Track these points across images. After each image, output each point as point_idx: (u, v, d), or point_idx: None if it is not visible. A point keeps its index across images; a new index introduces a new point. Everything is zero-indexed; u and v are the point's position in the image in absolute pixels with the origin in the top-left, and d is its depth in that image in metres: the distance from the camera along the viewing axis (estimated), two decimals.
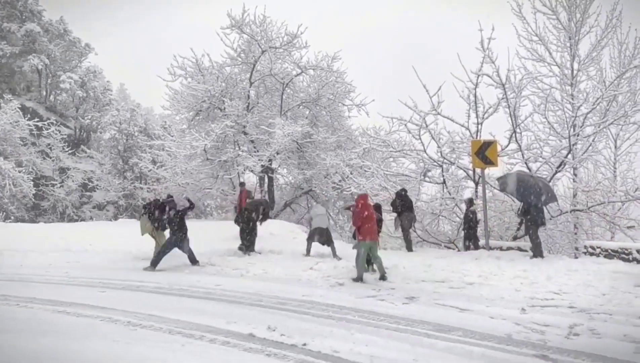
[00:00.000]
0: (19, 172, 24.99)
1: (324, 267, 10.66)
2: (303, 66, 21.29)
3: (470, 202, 13.09)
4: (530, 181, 11.60)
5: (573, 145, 13.97)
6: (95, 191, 27.99)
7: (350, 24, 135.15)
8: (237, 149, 21.27)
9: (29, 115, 28.09)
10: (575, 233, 15.89)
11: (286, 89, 21.99)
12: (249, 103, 21.84)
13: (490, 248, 12.48)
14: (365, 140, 17.35)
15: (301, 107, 22.70)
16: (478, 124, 14.50)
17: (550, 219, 14.26)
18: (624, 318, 6.48)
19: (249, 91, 21.80)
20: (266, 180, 22.47)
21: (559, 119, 15.16)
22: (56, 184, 26.73)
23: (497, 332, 5.88)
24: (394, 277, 9.61)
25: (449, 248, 15.14)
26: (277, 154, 20.56)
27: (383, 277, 9.47)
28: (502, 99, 14.01)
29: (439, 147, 14.88)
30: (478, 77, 13.91)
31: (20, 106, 26.82)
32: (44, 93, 31.13)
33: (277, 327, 5.99)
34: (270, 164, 21.37)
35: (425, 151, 15.10)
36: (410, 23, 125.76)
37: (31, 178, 25.15)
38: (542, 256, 11.15)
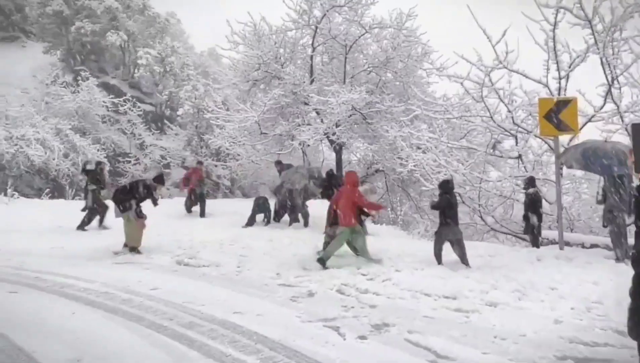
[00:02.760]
0: (96, 149, 25.07)
1: None
2: (366, 25, 18.53)
3: (530, 182, 9.87)
4: (607, 147, 8.23)
5: None
6: (169, 168, 27.54)
7: None
8: (296, 121, 19.19)
9: (112, 93, 28.33)
10: None
11: (352, 52, 19.43)
12: (311, 70, 19.63)
13: (568, 245, 9.28)
14: (416, 105, 14.38)
15: (371, 73, 20.01)
16: (560, 79, 10.99)
17: None
18: None
19: (311, 57, 19.60)
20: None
21: None
22: (131, 161, 26.53)
23: None
24: (395, 284, 6.98)
25: (523, 239, 11.94)
26: (337, 126, 18.15)
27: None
28: (593, 43, 10.37)
29: (509, 111, 11.61)
30: (557, 13, 10.35)
31: (102, 83, 26.93)
32: (128, 71, 31.27)
33: None
34: (337, 138, 19.05)
35: (491, 117, 11.90)
36: None
37: (104, 155, 25.08)
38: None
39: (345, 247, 8.74)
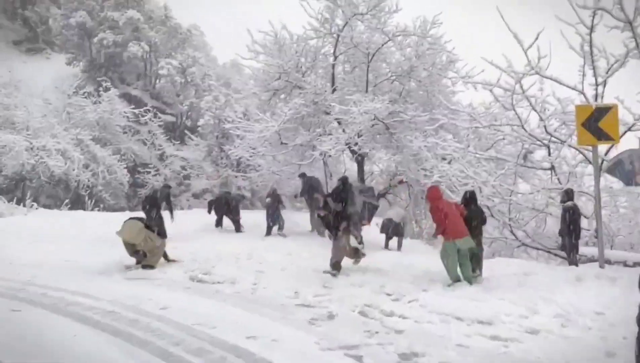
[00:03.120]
0: (117, 160, 24.99)
1: None
2: (389, 32, 18.03)
3: (567, 194, 9.21)
4: None
5: None
6: (189, 179, 27.34)
7: None
8: (316, 131, 18.74)
9: (133, 103, 28.33)
10: None
11: (374, 61, 18.94)
12: (333, 79, 19.19)
13: (608, 263, 8.61)
14: (442, 114, 13.79)
15: (394, 82, 19.49)
16: (597, 85, 10.34)
17: None
18: None
19: (332, 66, 19.17)
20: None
21: None
22: (151, 172, 26.38)
23: None
24: (422, 306, 6.41)
25: (557, 255, 11.26)
26: (359, 136, 17.66)
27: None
28: (633, 47, 9.72)
29: (541, 120, 10.98)
30: (594, 15, 9.72)
31: (123, 94, 26.88)
32: (149, 81, 31.26)
33: None
34: (359, 149, 18.56)
35: (522, 126, 11.28)
36: None
37: (124, 165, 24.98)
38: None
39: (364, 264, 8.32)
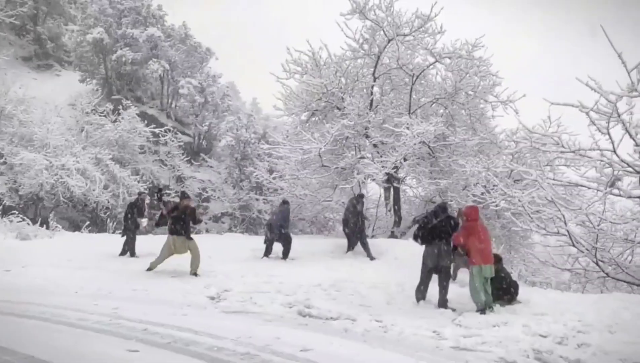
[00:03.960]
0: (135, 180, 24.09)
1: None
2: (437, 54, 17.55)
3: None
4: None
5: None
6: (209, 201, 26.45)
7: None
8: (357, 154, 18.09)
9: (148, 123, 27.45)
10: None
11: (416, 83, 18.43)
12: (372, 100, 18.61)
13: None
14: (522, 138, 13.19)
15: (434, 104, 18.98)
16: None
17: None
18: None
19: (372, 87, 18.61)
20: (392, 191, 19.08)
21: None
22: (171, 194, 25.46)
23: None
24: None
25: None
26: (405, 160, 17.04)
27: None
28: None
29: (637, 145, 10.41)
30: None
31: (138, 113, 26.08)
32: (166, 100, 30.53)
33: None
34: (397, 172, 17.93)
35: (614, 151, 10.72)
36: None
37: (146, 186, 24.04)
38: None
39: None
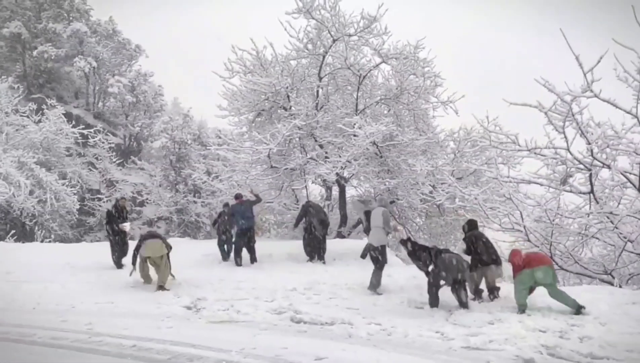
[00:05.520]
0: (63, 185, 22.52)
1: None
2: (384, 54, 17.70)
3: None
4: None
5: None
6: (144, 206, 25.27)
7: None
8: (304, 154, 17.91)
9: (74, 123, 25.74)
10: None
11: (362, 83, 18.50)
12: (317, 101, 18.49)
13: None
14: (480, 137, 13.56)
15: (380, 105, 19.18)
16: None
17: None
18: None
19: (317, 87, 18.47)
20: (336, 192, 19.11)
21: None
22: (102, 198, 24.07)
23: None
24: None
25: (604, 281, 11.22)
26: (355, 159, 17.06)
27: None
28: None
29: (589, 143, 10.97)
30: None
31: (64, 113, 24.39)
32: (92, 99, 28.82)
33: None
34: (343, 173, 17.93)
35: (568, 149, 11.25)
36: None
37: (75, 191, 22.57)
38: None
39: None
